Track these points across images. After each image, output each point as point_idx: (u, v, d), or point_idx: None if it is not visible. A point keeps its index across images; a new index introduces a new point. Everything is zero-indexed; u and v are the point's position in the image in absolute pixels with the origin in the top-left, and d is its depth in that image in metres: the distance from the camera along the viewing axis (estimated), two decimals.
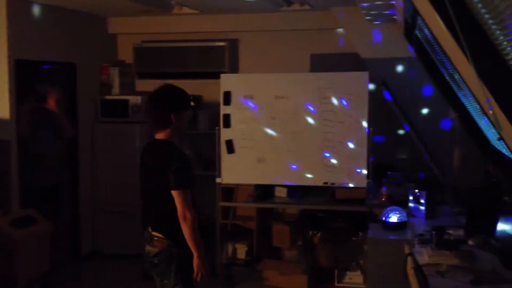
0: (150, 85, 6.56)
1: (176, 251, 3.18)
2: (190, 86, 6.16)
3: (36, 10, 5.38)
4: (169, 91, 3.25)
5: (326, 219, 5.49)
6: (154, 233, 3.22)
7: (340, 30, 5.90)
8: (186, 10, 5.75)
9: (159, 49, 6.41)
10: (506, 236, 3.27)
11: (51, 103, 5.30)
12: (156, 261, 3.22)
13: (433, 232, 3.54)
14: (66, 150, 5.98)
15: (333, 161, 5.23)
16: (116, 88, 6.37)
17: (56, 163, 5.44)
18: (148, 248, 3.26)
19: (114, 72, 6.37)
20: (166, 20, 6.29)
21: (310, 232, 5.54)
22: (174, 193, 3.10)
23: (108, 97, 6.30)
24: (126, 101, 6.21)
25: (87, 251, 6.25)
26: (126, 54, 6.66)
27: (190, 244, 3.11)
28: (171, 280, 3.19)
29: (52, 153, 5.39)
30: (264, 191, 5.54)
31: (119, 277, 5.70)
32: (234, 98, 5.31)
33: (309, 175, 5.32)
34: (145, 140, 6.17)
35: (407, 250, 3.39)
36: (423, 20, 3.11)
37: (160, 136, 3.23)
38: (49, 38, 5.58)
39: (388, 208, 4.72)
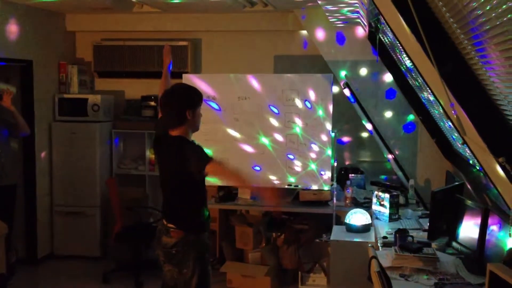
0: (110, 84, 6.48)
1: (193, 240, 3.24)
2: (151, 86, 6.14)
3: None
4: (183, 89, 3.38)
5: (289, 221, 5.47)
6: (169, 225, 3.28)
7: (304, 32, 5.88)
8: (147, 8, 5.63)
9: (120, 47, 6.27)
10: (469, 240, 3.29)
11: (6, 101, 5.15)
12: (174, 251, 3.26)
13: (397, 235, 3.55)
14: (22, 150, 5.80)
15: (297, 163, 5.22)
16: (74, 87, 6.23)
17: (10, 162, 5.26)
18: (165, 239, 3.29)
19: (73, 70, 6.22)
20: (126, 18, 6.15)
21: (274, 234, 5.51)
22: (207, 169, 3.11)
23: (66, 96, 6.14)
24: (85, 100, 6.07)
25: (44, 252, 6.07)
26: (85, 52, 6.49)
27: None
28: (189, 269, 3.24)
29: (6, 152, 5.21)
30: (227, 193, 5.48)
31: (78, 280, 5.56)
32: None
33: (272, 177, 5.29)
34: (104, 140, 6.13)
35: (370, 253, 3.37)
36: (387, 23, 3.09)
37: (175, 132, 3.29)
38: (4, 35, 5.39)
39: (352, 211, 4.73)
